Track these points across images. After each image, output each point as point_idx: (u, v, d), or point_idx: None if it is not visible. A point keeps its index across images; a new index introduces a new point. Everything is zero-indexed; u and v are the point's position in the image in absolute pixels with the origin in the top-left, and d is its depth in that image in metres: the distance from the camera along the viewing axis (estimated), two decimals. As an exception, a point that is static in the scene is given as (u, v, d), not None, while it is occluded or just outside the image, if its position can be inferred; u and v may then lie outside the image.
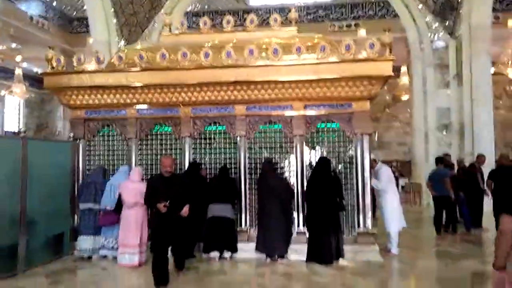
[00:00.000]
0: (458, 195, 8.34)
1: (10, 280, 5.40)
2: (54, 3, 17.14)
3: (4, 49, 12.96)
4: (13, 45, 15.49)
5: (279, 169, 6.72)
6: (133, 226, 5.97)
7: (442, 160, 8.59)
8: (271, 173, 6.36)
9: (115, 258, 6.22)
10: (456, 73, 12.50)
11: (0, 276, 5.36)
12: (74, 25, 17.98)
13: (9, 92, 17.21)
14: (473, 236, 8.11)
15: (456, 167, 9.24)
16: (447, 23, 12.89)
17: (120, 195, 6.11)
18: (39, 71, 23.42)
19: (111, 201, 6.36)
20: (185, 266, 5.57)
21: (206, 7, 17.31)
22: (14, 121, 23.30)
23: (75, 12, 17.72)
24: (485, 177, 8.29)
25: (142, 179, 6.27)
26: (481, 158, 9.24)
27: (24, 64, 18.58)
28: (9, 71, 20.37)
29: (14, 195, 5.71)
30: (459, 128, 12.32)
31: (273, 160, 6.65)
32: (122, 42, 13.97)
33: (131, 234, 5.97)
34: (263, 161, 6.62)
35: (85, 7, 17.23)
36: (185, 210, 5.06)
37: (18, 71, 16.54)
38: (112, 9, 13.30)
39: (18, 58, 14.20)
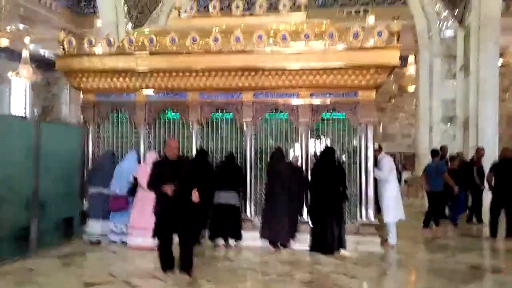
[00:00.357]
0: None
1: (23, 261, 5.54)
2: (63, -17, 17.07)
3: (13, 29, 12.93)
4: (21, 26, 15.48)
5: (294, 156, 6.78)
6: (148, 208, 6.06)
7: (438, 153, 8.45)
8: (281, 160, 6.42)
9: (123, 242, 6.39)
10: (463, 64, 12.42)
11: (13, 257, 5.51)
12: (81, 6, 17.88)
13: (15, 74, 17.27)
14: (473, 230, 8.22)
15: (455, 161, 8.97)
16: (456, 12, 12.75)
17: (135, 179, 6.24)
18: (46, 53, 23.47)
19: (120, 186, 6.48)
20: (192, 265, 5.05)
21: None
22: (20, 104, 23.45)
23: (82, -7, 17.62)
24: (486, 171, 8.23)
25: None
26: (480, 152, 9.16)
27: (31, 46, 18.59)
28: (16, 53, 20.42)
29: (27, 177, 5.81)
30: (464, 120, 12.30)
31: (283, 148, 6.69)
32: (130, 25, 13.95)
33: (146, 216, 6.01)
34: (271, 149, 6.69)
35: (92, -12, 17.27)
36: (196, 196, 4.79)
37: (25, 53, 16.57)
38: (121, -10, 13.24)
39: (27, 39, 14.19)
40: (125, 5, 13.52)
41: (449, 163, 8.86)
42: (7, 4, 12.81)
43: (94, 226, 6.58)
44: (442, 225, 8.12)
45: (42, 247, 6.00)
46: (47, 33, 17.44)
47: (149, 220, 5.78)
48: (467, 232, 8.06)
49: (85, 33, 16.46)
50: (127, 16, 13.75)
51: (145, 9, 14.34)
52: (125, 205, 6.47)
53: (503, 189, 7.22)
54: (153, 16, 14.49)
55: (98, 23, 14.14)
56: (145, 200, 6.03)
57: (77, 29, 17.15)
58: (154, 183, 4.86)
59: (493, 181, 7.59)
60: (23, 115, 19.99)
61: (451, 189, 7.95)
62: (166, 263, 4.96)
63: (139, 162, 6.87)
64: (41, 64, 24.06)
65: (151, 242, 5.79)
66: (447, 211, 8.79)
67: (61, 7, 16.81)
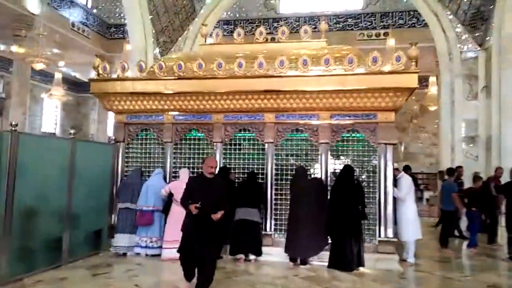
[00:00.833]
0: (470, 210, 8.18)
1: (55, 270, 5.90)
2: (94, 10, 18.03)
3: (48, 54, 13.75)
4: (55, 50, 16.40)
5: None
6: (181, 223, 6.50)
7: (454, 172, 8.48)
8: (304, 177, 6.66)
9: (147, 255, 6.76)
10: (485, 85, 12.47)
11: (46, 266, 5.87)
12: (111, 31, 18.77)
13: (48, 95, 18.16)
14: (489, 250, 8.18)
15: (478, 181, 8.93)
16: (477, 34, 12.89)
17: (170, 195, 6.68)
18: (77, 75, 24.58)
19: (146, 202, 6.87)
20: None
21: (237, 15, 17.82)
22: (51, 123, 24.53)
23: (112, 19, 18.52)
24: None
25: None
26: (498, 171, 9.18)
27: (63, 68, 19.56)
28: (49, 75, 21.48)
29: (61, 191, 6.24)
30: (486, 140, 12.26)
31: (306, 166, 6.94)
32: (157, 49, 14.63)
33: (179, 230, 6.45)
34: (292, 167, 6.95)
35: (122, 14, 18.15)
36: (218, 215, 4.74)
37: (58, 75, 17.45)
38: (149, 17, 13.95)
39: (61, 63, 15.02)
40: (154, 31, 14.21)
41: (463, 183, 8.88)
42: (45, 31, 13.66)
43: (121, 240, 6.94)
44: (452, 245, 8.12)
45: (72, 258, 6.37)
46: (79, 57, 18.39)
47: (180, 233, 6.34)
48: (485, 252, 8.02)
49: (114, 57, 17.46)
50: (155, 41, 14.43)
51: (172, 35, 15.03)
52: (151, 220, 6.83)
53: None
54: (179, 42, 15.16)
55: (127, 47, 14.88)
56: (178, 215, 6.30)
57: (107, 53, 18.03)
58: (185, 200, 4.87)
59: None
60: (59, 135, 20.90)
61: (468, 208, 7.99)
62: (188, 273, 5.03)
63: (164, 179, 7.24)
64: (72, 85, 25.29)
65: None
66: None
67: (93, 32, 17.69)
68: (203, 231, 4.74)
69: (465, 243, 8.50)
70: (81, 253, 6.64)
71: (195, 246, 4.75)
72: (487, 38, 12.40)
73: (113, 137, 7.67)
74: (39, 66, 14.29)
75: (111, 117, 20.94)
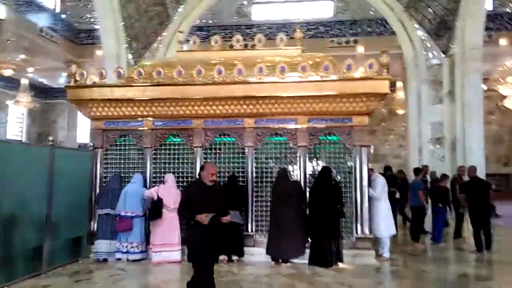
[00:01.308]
0: (434, 207, 8.67)
1: (36, 278, 5.85)
2: (63, 16, 17.73)
3: (17, 60, 13.45)
4: (22, 56, 16.01)
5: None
6: (174, 226, 6.71)
7: (419, 172, 9.05)
8: (285, 180, 6.85)
9: (128, 260, 6.82)
10: (449, 90, 13.15)
11: (26, 275, 5.81)
12: (80, 37, 18.49)
13: (14, 102, 17.67)
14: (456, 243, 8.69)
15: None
16: (441, 42, 13.58)
17: (158, 201, 6.79)
18: (45, 81, 24.01)
19: (124, 208, 6.91)
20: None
21: (210, 21, 17.97)
22: (17, 130, 23.81)
23: (82, 25, 18.25)
24: None
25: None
26: (461, 169, 9.77)
27: (30, 74, 19.09)
28: (14, 81, 20.89)
29: (41, 199, 6.19)
30: (452, 142, 12.92)
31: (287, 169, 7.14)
32: (130, 55, 14.56)
33: (172, 233, 6.72)
34: (271, 170, 7.17)
35: (92, 19, 17.95)
36: (228, 218, 4.63)
37: (24, 81, 17.04)
38: (122, 23, 13.88)
39: (30, 69, 14.71)
40: (127, 37, 14.15)
41: (428, 181, 9.45)
42: (13, 37, 13.36)
43: (101, 246, 6.95)
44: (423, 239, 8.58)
45: (52, 266, 6.33)
46: (47, 62, 18.00)
47: (169, 237, 6.68)
48: (454, 245, 8.52)
49: (84, 62, 17.20)
50: (128, 47, 14.36)
51: (145, 41, 15.00)
52: (129, 226, 6.88)
53: (475, 206, 7.71)
54: (153, 48, 15.15)
55: (98, 53, 14.74)
56: (171, 219, 6.72)
57: (77, 59, 17.73)
58: (184, 209, 4.54)
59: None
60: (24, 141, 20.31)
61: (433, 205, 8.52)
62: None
63: (145, 185, 7.30)
64: (39, 91, 24.66)
65: (174, 256, 6.68)
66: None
67: (61, 37, 17.38)
68: (213, 240, 4.50)
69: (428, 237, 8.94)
70: (60, 261, 6.60)
71: (213, 257, 4.61)
72: (450, 46, 13.09)
73: (91, 144, 7.63)
74: (7, 72, 13.97)
75: (81, 123, 20.61)
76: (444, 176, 9.22)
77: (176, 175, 7.41)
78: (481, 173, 11.40)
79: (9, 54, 13.56)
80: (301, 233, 6.65)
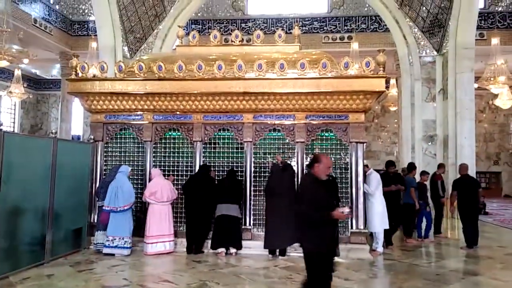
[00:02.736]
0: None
1: (39, 268, 5.99)
2: (57, 6, 17.60)
3: (13, 51, 13.35)
4: (15, 47, 15.86)
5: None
6: (167, 218, 6.99)
7: (412, 169, 9.08)
8: (279, 173, 6.96)
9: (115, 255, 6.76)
10: (441, 88, 13.40)
11: (29, 264, 5.94)
12: (75, 28, 18.38)
13: (7, 93, 17.55)
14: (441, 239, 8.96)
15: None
16: (434, 40, 13.79)
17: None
18: (38, 72, 23.84)
19: (108, 202, 6.87)
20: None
21: (205, 15, 17.99)
22: (8, 121, 23.64)
23: (76, 16, 18.14)
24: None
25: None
26: (442, 167, 9.98)
27: (22, 65, 18.92)
28: (5, 72, 20.70)
29: (43, 190, 6.29)
30: (443, 139, 13.19)
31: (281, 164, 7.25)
32: (126, 48, 14.56)
33: (166, 225, 6.94)
34: (269, 165, 7.30)
35: (86, 11, 17.85)
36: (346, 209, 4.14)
37: (18, 72, 16.93)
38: (118, 16, 13.87)
39: (26, 61, 14.60)
40: (123, 29, 14.14)
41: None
42: (8, 28, 13.26)
43: (102, 237, 7.03)
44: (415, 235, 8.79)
45: (54, 256, 6.45)
46: (41, 53, 17.87)
47: (163, 229, 6.92)
48: (442, 241, 8.79)
49: (79, 54, 17.09)
50: (124, 40, 14.35)
51: (141, 34, 15.00)
52: (105, 219, 6.86)
53: (465, 203, 7.93)
54: (149, 41, 15.16)
55: (93, 45, 14.69)
56: (164, 210, 7.00)
57: (71, 50, 17.65)
58: (317, 209, 3.87)
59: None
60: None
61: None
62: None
63: (137, 178, 7.51)
64: (32, 83, 24.50)
65: (167, 247, 6.94)
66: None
67: (55, 28, 17.27)
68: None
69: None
70: (62, 251, 6.71)
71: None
72: (443, 44, 13.32)
73: (91, 136, 7.72)
74: (2, 63, 13.86)
75: (74, 115, 20.52)
76: (424, 173, 9.36)
77: (175, 169, 7.57)
78: (471, 171, 11.72)
79: (5, 45, 13.49)
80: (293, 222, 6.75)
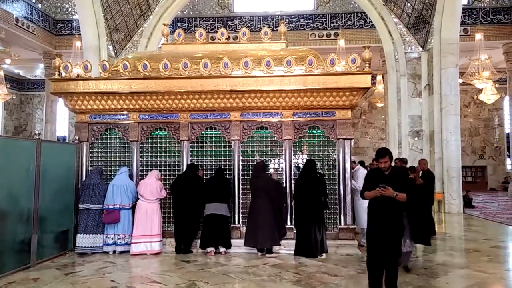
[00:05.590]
0: None
1: (25, 272, 5.88)
2: (39, 5, 17.31)
3: (-5, 52, 13.13)
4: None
5: (272, 169, 7.41)
6: (154, 217, 6.97)
7: (407, 162, 9.13)
8: (262, 173, 6.99)
9: (115, 252, 6.96)
10: (427, 83, 13.53)
11: (15, 268, 5.83)
12: (58, 27, 18.12)
13: (-11, 94, 17.21)
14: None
15: None
16: (419, 37, 13.92)
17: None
18: (21, 72, 23.45)
19: (113, 201, 6.98)
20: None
21: (191, 13, 17.88)
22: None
23: (59, 15, 17.87)
24: None
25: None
26: (422, 162, 10.01)
27: (5, 66, 18.56)
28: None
29: (28, 193, 6.17)
30: (429, 134, 13.33)
31: (265, 162, 7.30)
32: (111, 47, 14.40)
33: (152, 224, 6.91)
34: (256, 163, 7.28)
35: (70, 9, 17.59)
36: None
37: (0, 73, 16.63)
38: (103, 14, 13.69)
39: (8, 61, 14.36)
40: (107, 28, 13.97)
41: None
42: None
43: (83, 240, 6.96)
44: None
45: (40, 259, 6.34)
46: (23, 53, 17.58)
47: (149, 228, 6.88)
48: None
49: (62, 53, 16.81)
50: (108, 39, 14.18)
51: (126, 32, 14.84)
52: (117, 218, 6.96)
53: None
54: (134, 40, 15.01)
55: (77, 44, 14.48)
56: (145, 210, 6.97)
57: (54, 50, 17.41)
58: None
59: None
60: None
61: None
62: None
63: (131, 177, 7.35)
64: (15, 83, 24.08)
65: (153, 247, 6.92)
66: None
67: (38, 28, 16.99)
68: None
69: None
70: (48, 254, 6.61)
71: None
72: (428, 40, 13.44)
73: (76, 137, 7.60)
74: (-16, 63, 13.63)
75: (59, 116, 20.24)
76: (412, 169, 9.38)
77: (162, 168, 7.51)
78: (457, 165, 11.96)
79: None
80: (275, 223, 6.76)
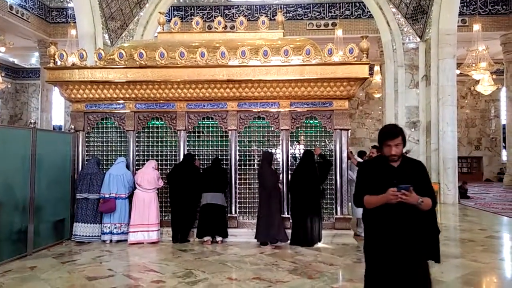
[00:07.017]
0: None
1: (22, 260, 5.89)
2: (34, -8, 17.07)
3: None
4: (-7, 35, 15.41)
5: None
6: (152, 206, 6.99)
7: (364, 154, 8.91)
8: (263, 163, 6.96)
9: (111, 241, 7.00)
10: (424, 74, 13.51)
11: (11, 257, 5.84)
12: (53, 15, 17.90)
13: (-15, 84, 17.09)
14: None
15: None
16: (417, 27, 13.85)
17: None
18: (16, 61, 23.22)
19: (108, 190, 6.99)
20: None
21: (188, 1, 17.69)
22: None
23: (54, 2, 17.65)
24: None
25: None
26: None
27: (0, 54, 18.37)
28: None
29: (24, 182, 6.15)
30: (426, 125, 13.35)
31: (269, 152, 7.19)
32: (107, 36, 14.25)
33: (149, 213, 6.93)
34: (254, 153, 7.31)
35: (64, -3, 17.38)
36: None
37: (-6, 62, 16.47)
38: (98, 2, 13.52)
39: (2, 49, 14.21)
40: (102, 16, 13.82)
41: None
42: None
43: (81, 229, 7.00)
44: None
45: (37, 248, 6.35)
46: (18, 41, 17.41)
47: (146, 217, 6.93)
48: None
49: (57, 42, 16.62)
50: (104, 27, 14.03)
51: (122, 20, 14.68)
52: (113, 207, 6.99)
53: None
54: (130, 28, 14.86)
55: (72, 32, 14.32)
56: (143, 199, 7.00)
57: (49, 38, 17.22)
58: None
59: None
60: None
61: None
62: None
63: (127, 167, 7.33)
64: (10, 72, 23.87)
65: (151, 236, 6.95)
66: None
67: (33, 15, 16.78)
68: None
69: None
70: (44, 243, 6.62)
71: None
72: (426, 31, 13.39)
73: (72, 126, 7.56)
74: (-22, 52, 13.48)
75: (55, 105, 20.11)
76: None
77: (159, 158, 7.50)
78: (453, 156, 12.00)
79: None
80: (275, 215, 6.77)
